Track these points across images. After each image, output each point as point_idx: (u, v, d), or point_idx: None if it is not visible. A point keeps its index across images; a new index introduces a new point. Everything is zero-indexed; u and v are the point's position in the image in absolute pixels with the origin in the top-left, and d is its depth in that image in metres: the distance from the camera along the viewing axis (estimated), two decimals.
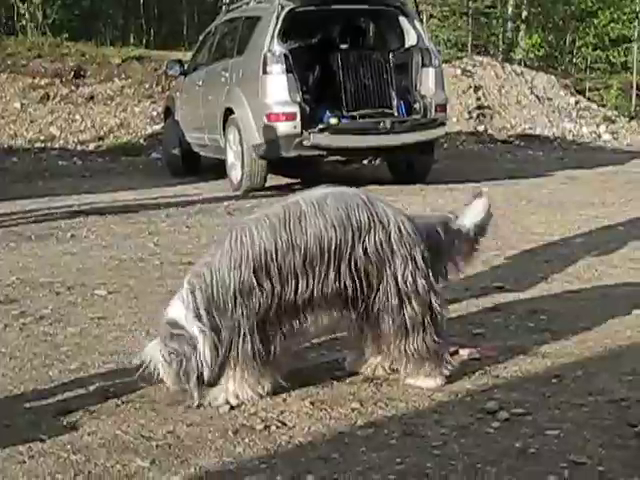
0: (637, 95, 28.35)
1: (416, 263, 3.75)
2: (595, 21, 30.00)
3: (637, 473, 2.99)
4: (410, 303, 3.73)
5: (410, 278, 3.72)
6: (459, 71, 22.72)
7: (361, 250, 3.69)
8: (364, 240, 3.70)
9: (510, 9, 31.20)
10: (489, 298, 5.42)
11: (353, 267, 3.68)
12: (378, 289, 3.73)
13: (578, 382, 3.91)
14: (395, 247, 3.72)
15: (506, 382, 3.92)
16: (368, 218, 3.71)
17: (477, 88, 22.40)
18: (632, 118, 25.40)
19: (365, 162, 12.31)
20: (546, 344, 4.46)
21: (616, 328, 4.71)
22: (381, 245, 3.70)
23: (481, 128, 20.70)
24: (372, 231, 3.71)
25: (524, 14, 31.33)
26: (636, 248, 7.03)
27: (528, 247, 7.13)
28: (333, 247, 3.65)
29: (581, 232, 7.80)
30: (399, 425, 3.45)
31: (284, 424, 3.51)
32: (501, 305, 5.24)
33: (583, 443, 3.24)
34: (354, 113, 11.65)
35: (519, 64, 26.15)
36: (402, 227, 3.78)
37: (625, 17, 29.91)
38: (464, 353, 4.25)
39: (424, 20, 24.52)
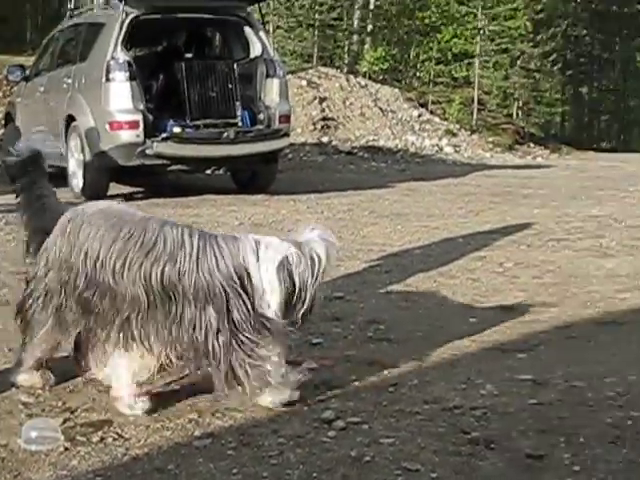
0: (478, 109, 29.19)
1: None
2: (439, 36, 30.76)
3: (468, 479, 3.08)
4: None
5: None
6: (304, 82, 22.94)
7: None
8: None
9: (356, 22, 31.63)
10: (329, 308, 5.45)
11: None
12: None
13: (414, 390, 3.97)
14: None
15: (343, 391, 3.96)
16: None
17: (322, 99, 22.65)
18: (473, 132, 26.16)
19: (209, 172, 12.30)
20: (384, 353, 4.53)
21: (452, 338, 4.82)
22: None
23: (325, 139, 20.92)
24: None
25: (370, 27, 31.81)
26: (474, 259, 7.22)
27: (368, 257, 7.22)
28: None
29: (421, 243, 7.95)
30: (236, 435, 3.45)
31: (121, 436, 3.45)
32: (340, 315, 5.30)
33: (417, 450, 3.30)
34: (198, 123, 11.63)
35: (364, 76, 26.57)
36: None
37: (467, 33, 30.75)
38: (305, 364, 4.27)
39: (270, 31, 24.73)
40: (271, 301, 3.61)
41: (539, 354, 4.57)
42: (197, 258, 3.58)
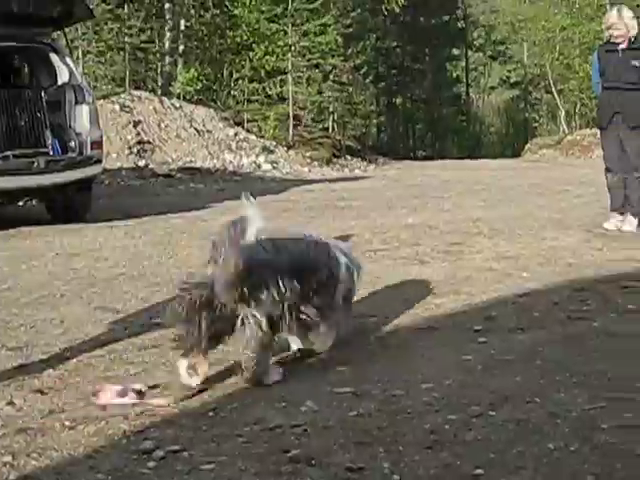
0: (294, 125, 29.45)
1: None
2: (251, 54, 30.85)
3: None
4: None
5: None
6: (117, 107, 22.68)
7: None
8: None
9: (167, 44, 31.46)
10: (149, 335, 5.39)
11: None
12: None
13: (234, 413, 3.94)
14: None
15: (162, 420, 3.89)
16: None
17: (137, 123, 22.44)
18: (290, 147, 26.38)
19: (21, 203, 11.98)
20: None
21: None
22: None
23: (142, 163, 20.74)
24: None
25: (181, 48, 31.68)
26: None
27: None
28: None
29: None
30: (53, 476, 3.33)
31: None
32: (158, 341, 5.23)
33: (238, 474, 3.26)
34: (7, 153, 11.30)
35: (178, 98, 26.44)
36: None
37: (279, 50, 30.96)
38: (121, 395, 4.20)
39: (80, 56, 24.31)
40: None
41: (359, 366, 4.62)
42: None
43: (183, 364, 4.32)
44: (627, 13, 9.53)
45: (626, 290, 6.32)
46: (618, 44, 9.54)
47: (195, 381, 4.31)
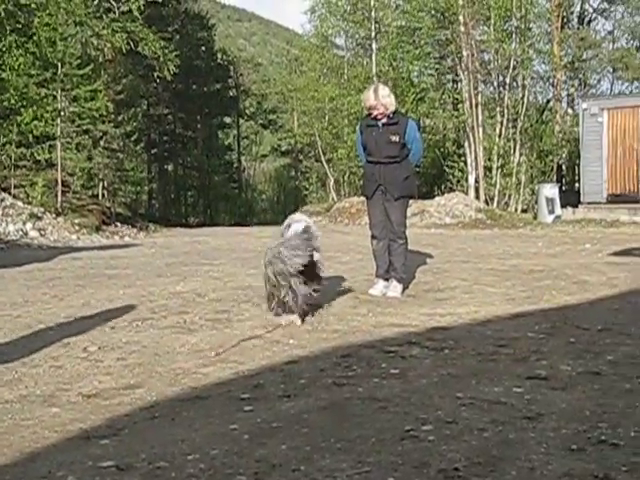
0: (63, 191, 28.94)
1: None
2: (19, 119, 30.19)
3: None
4: None
5: None
6: None
7: None
8: None
9: None
10: None
11: None
12: None
13: None
14: None
15: None
16: None
17: None
18: (58, 214, 25.88)
19: None
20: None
21: (35, 429, 4.69)
22: None
23: None
24: None
25: None
26: (58, 346, 7.08)
27: None
28: None
29: (3, 334, 7.69)
30: None
31: None
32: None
33: None
34: None
35: None
36: None
37: (48, 115, 30.47)
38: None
39: None
40: None
41: (123, 438, 4.52)
42: None
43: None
44: (383, 92, 9.83)
45: (389, 355, 6.50)
46: (379, 119, 9.89)
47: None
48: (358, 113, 38.13)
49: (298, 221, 8.43)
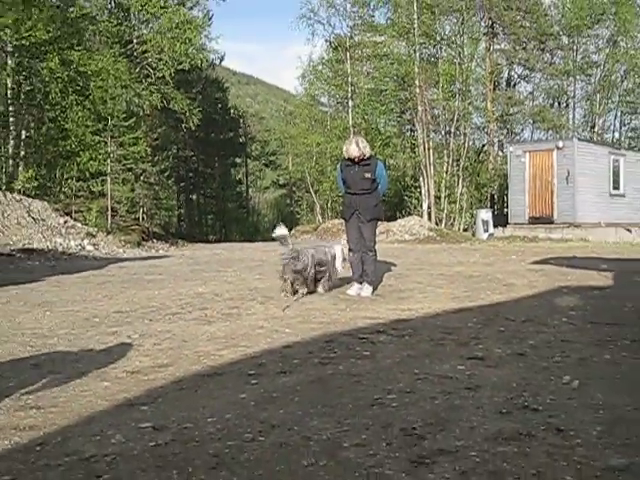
0: (112, 215, 28.99)
1: None
2: (78, 160, 30.25)
3: None
4: None
5: None
6: None
7: None
8: None
9: (10, 149, 30.43)
10: None
11: None
12: None
13: (57, 447, 3.76)
14: None
15: None
16: None
17: None
18: (109, 233, 25.85)
19: None
20: (33, 419, 4.29)
21: (90, 399, 4.66)
22: None
23: None
24: None
25: (22, 153, 30.72)
26: (108, 334, 7.04)
27: (22, 340, 6.81)
28: None
29: (65, 325, 7.65)
30: None
31: None
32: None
33: None
34: None
35: (19, 193, 25.39)
36: None
37: (100, 157, 30.54)
38: None
39: None
40: None
41: (158, 405, 4.50)
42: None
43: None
44: (362, 144, 9.88)
45: (362, 341, 6.49)
46: (356, 162, 9.92)
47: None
48: (338, 155, 38.12)
49: (279, 227, 9.94)
